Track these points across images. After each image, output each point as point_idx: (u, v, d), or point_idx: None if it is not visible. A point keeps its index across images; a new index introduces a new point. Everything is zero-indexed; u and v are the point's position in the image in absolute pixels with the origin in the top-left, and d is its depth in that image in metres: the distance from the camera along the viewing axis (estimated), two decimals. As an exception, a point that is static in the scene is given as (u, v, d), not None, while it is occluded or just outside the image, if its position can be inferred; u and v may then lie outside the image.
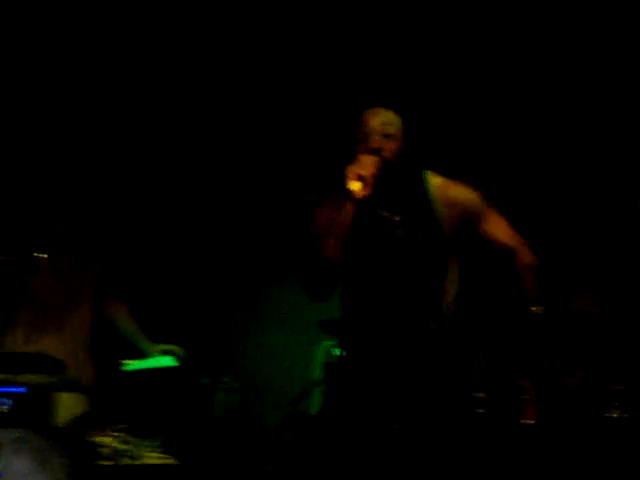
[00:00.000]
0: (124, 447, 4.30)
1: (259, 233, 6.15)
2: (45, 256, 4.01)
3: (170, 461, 4.41)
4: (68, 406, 3.87)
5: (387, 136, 3.09)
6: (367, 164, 2.97)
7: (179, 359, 4.52)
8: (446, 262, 3.13)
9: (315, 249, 3.05)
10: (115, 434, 4.37)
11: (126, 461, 4.19)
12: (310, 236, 3.13)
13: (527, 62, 5.32)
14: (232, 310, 6.16)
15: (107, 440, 4.31)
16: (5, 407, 3.59)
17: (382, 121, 3.12)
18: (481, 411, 4.47)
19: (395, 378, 3.05)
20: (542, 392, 4.35)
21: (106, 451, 4.25)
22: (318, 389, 5.20)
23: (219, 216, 6.16)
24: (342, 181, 2.95)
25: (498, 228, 3.19)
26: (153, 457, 4.33)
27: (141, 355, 4.41)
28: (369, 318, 3.12)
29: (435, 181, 3.19)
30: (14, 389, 3.62)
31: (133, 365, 4.51)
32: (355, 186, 2.93)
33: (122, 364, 4.52)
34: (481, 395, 4.53)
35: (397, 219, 3.12)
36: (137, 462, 4.25)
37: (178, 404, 4.94)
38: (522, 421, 4.29)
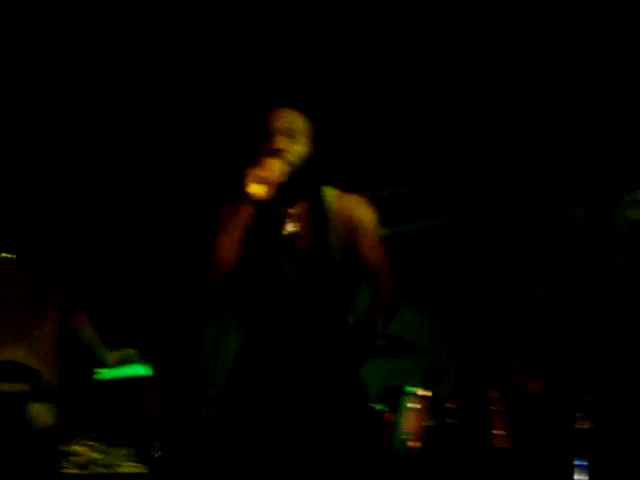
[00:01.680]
0: (97, 456, 4.33)
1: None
2: (13, 256, 4.02)
3: (143, 470, 4.45)
4: (38, 415, 3.88)
5: (291, 137, 3.03)
6: (269, 167, 2.91)
7: (142, 363, 4.52)
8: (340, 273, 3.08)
9: (211, 247, 3.01)
10: (89, 443, 4.39)
11: (100, 470, 4.22)
12: (210, 234, 3.07)
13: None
14: (198, 320, 6.14)
15: (80, 449, 4.34)
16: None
17: (287, 122, 3.04)
18: (452, 421, 4.52)
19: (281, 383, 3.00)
20: (510, 402, 4.41)
21: (79, 460, 4.28)
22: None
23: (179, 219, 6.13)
24: (242, 183, 2.90)
25: (374, 249, 3.11)
26: (126, 466, 4.36)
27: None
28: (262, 320, 3.07)
29: (332, 192, 3.15)
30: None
31: (104, 374, 4.52)
32: (254, 189, 2.89)
33: (94, 373, 4.53)
34: (452, 406, 4.58)
35: (293, 229, 3.08)
36: (110, 471, 4.27)
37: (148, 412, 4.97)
38: (493, 431, 4.34)
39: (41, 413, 3.90)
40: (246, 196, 2.91)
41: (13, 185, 4.35)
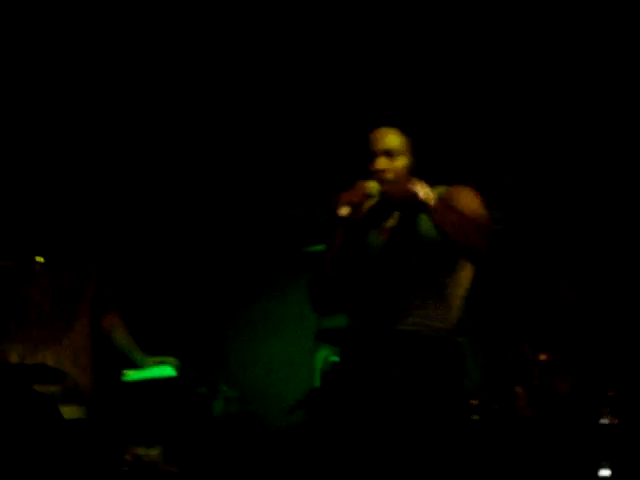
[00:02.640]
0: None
1: (256, 243, 6.19)
2: (42, 260, 4.03)
3: (173, 469, 4.48)
4: (69, 417, 3.89)
5: (391, 156, 3.14)
6: (360, 190, 3.02)
7: (177, 369, 4.55)
8: (442, 275, 3.12)
9: (316, 267, 3.19)
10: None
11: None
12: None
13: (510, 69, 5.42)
14: (230, 319, 6.19)
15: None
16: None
17: (386, 142, 3.15)
18: (476, 418, 4.53)
19: (386, 390, 3.06)
20: (535, 398, 4.42)
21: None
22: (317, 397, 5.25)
23: (215, 226, 6.20)
24: (335, 206, 3.02)
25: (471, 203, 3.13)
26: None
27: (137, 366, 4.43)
28: (366, 329, 3.15)
29: (439, 189, 3.15)
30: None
31: (132, 375, 4.54)
32: (343, 211, 2.99)
33: (122, 375, 4.55)
34: (475, 402, 4.59)
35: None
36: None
37: (177, 413, 4.99)
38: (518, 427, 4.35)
39: (72, 415, 3.92)
40: (335, 218, 3.02)
41: (39, 189, 4.36)
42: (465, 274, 3.16)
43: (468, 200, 3.13)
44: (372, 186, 3.06)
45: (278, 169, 6.06)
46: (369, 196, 3.04)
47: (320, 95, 5.66)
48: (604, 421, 4.29)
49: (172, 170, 6.05)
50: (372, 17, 5.18)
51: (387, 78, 5.46)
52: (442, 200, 3.00)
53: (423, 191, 2.93)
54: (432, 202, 2.92)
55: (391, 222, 3.20)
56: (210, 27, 5.22)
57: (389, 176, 3.11)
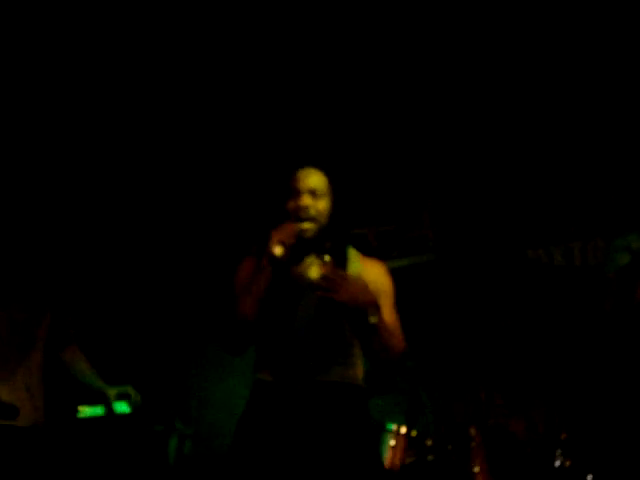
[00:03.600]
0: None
1: (218, 280, 6.19)
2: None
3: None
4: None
5: (315, 195, 3.17)
6: (291, 231, 3.06)
7: (134, 403, 4.53)
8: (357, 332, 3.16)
9: (233, 306, 3.13)
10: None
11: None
12: (231, 292, 3.22)
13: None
14: (188, 355, 6.17)
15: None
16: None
17: (312, 180, 3.19)
18: (430, 458, 4.55)
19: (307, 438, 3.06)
20: (489, 439, 4.45)
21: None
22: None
23: (176, 263, 6.19)
24: (265, 244, 3.04)
25: (390, 315, 3.20)
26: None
27: (97, 399, 4.39)
28: (280, 374, 3.15)
29: (355, 254, 3.29)
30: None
31: (87, 412, 4.51)
32: (278, 251, 3.02)
33: (77, 411, 4.52)
34: (429, 442, 4.61)
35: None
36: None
37: (132, 450, 4.95)
38: (473, 469, 4.38)
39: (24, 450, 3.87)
40: (267, 257, 3.03)
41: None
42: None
43: (382, 280, 3.24)
44: (298, 228, 3.09)
45: (237, 205, 6.08)
46: (300, 237, 3.08)
47: (240, 134, 5.69)
48: (557, 463, 4.33)
49: (125, 204, 6.05)
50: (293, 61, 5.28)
51: (310, 122, 5.52)
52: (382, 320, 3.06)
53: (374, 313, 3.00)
54: (375, 321, 3.00)
55: (312, 278, 3.15)
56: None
57: (315, 215, 3.15)
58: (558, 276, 5.40)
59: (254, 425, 3.13)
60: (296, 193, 3.17)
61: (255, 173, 5.74)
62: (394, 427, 4.73)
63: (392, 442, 4.68)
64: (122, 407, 4.47)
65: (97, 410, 4.50)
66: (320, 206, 3.17)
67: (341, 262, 3.16)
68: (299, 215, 3.13)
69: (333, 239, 3.20)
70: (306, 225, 3.12)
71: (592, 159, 5.35)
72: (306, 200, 3.15)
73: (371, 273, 3.22)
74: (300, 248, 3.14)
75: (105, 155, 5.82)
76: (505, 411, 4.59)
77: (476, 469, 4.40)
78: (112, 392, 4.28)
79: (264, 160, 5.61)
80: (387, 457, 4.63)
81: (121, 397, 4.31)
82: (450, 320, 5.64)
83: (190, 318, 6.17)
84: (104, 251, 6.00)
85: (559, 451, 4.34)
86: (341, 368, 3.12)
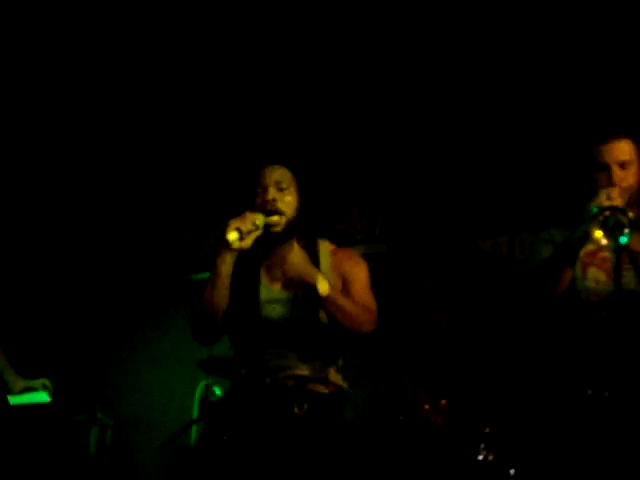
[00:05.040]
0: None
1: (142, 268, 6.12)
2: None
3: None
4: None
5: (281, 190, 3.26)
6: (249, 219, 3.11)
7: (51, 394, 4.46)
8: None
9: (200, 295, 3.20)
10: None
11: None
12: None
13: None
14: (111, 345, 6.09)
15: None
16: None
17: (276, 174, 3.28)
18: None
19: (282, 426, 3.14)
20: (413, 431, 4.45)
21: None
22: (195, 427, 5.19)
23: (100, 248, 6.11)
24: (223, 231, 3.08)
25: (362, 296, 3.30)
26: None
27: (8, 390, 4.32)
28: (251, 367, 3.23)
29: (326, 245, 3.38)
30: None
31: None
32: (232, 237, 3.05)
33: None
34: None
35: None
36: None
37: (52, 440, 4.87)
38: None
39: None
40: (223, 243, 3.09)
41: None
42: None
43: (356, 269, 3.34)
44: (259, 218, 3.14)
45: (166, 195, 6.04)
46: (256, 227, 3.12)
47: (212, 126, 5.70)
48: (479, 457, 4.34)
49: (56, 188, 5.97)
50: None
51: (275, 115, 5.55)
52: (335, 290, 3.17)
53: (322, 284, 3.10)
54: (325, 293, 3.10)
55: (282, 273, 3.24)
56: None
57: (282, 208, 3.24)
58: (484, 269, 5.45)
59: (223, 418, 3.23)
60: (263, 188, 3.26)
61: (224, 170, 5.74)
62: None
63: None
64: (41, 397, 4.40)
65: (15, 399, 4.41)
66: (286, 199, 3.25)
67: (312, 257, 3.23)
68: (266, 208, 3.20)
69: (302, 233, 3.30)
70: (274, 218, 3.20)
71: (517, 155, 5.40)
72: (272, 193, 3.23)
73: (345, 264, 3.34)
74: (269, 242, 3.24)
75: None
76: (426, 404, 4.59)
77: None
78: (22, 385, 4.21)
79: (233, 157, 5.62)
80: None
81: (32, 389, 4.25)
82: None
83: (111, 306, 6.09)
84: (18, 239, 5.90)
85: (482, 445, 4.35)
86: (312, 364, 3.20)
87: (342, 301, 3.18)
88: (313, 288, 3.11)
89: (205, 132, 5.84)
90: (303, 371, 3.19)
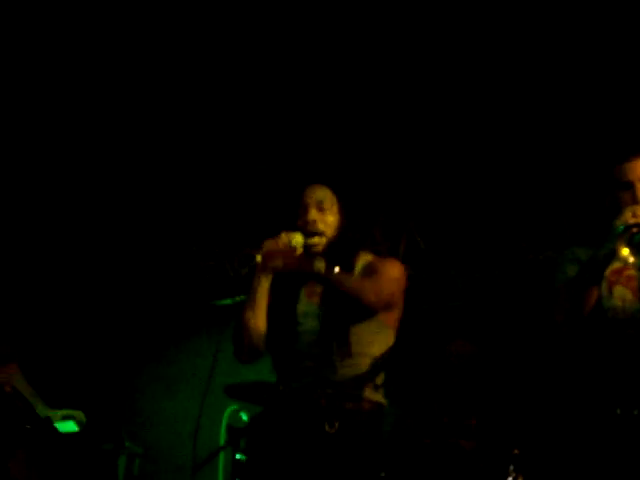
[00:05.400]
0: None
1: (166, 295, 6.13)
2: None
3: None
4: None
5: (322, 210, 3.26)
6: (283, 240, 3.14)
7: (80, 424, 4.45)
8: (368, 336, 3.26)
9: (238, 315, 3.26)
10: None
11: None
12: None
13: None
14: (137, 373, 6.10)
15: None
16: None
17: (318, 194, 3.29)
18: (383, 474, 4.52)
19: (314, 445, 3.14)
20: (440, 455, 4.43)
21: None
22: (223, 454, 5.18)
23: (125, 277, 6.12)
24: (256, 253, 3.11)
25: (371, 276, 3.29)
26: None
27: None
28: (292, 387, 3.25)
29: (366, 257, 3.37)
30: None
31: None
32: (259, 258, 3.10)
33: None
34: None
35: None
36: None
37: (81, 469, 4.87)
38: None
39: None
40: (256, 265, 3.13)
41: None
42: (383, 338, 3.33)
43: (384, 263, 3.33)
44: (297, 238, 3.16)
45: (189, 221, 6.05)
46: (292, 248, 3.14)
47: (241, 147, 5.72)
48: (510, 479, 4.32)
49: (69, 213, 5.98)
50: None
51: (316, 135, 5.57)
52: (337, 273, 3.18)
53: (317, 265, 3.12)
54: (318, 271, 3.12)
55: (319, 287, 3.27)
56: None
57: (322, 228, 3.25)
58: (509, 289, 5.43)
59: (263, 433, 3.28)
60: (304, 208, 3.27)
61: (263, 189, 5.75)
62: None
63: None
64: (70, 426, 4.41)
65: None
66: (328, 220, 3.26)
67: (348, 266, 3.27)
68: (307, 229, 3.22)
69: (342, 253, 3.29)
70: (314, 240, 3.22)
71: (541, 175, 5.39)
72: (313, 214, 3.24)
73: (377, 261, 3.34)
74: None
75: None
76: (454, 428, 4.57)
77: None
78: (55, 416, 4.20)
79: (271, 177, 5.63)
80: None
81: (65, 419, 4.25)
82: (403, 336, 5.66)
83: (135, 334, 6.10)
84: (44, 265, 5.92)
85: (511, 467, 4.32)
86: (347, 380, 3.19)
87: (342, 277, 3.19)
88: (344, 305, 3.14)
89: (230, 154, 5.83)
90: (337, 388, 3.17)
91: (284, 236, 3.14)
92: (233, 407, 5.38)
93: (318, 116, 5.59)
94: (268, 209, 5.35)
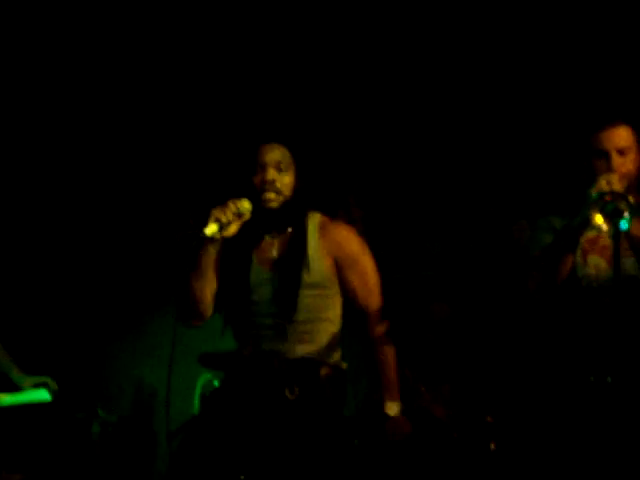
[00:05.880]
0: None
1: (138, 265, 6.09)
2: None
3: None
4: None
5: (280, 169, 3.20)
6: (230, 208, 3.07)
7: (52, 392, 4.44)
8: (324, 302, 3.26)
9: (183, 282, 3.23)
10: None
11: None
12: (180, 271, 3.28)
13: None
14: (110, 341, 6.07)
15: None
16: None
17: (276, 154, 3.22)
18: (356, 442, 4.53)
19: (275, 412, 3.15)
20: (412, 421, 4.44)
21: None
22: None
23: (93, 244, 6.08)
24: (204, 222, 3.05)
25: (364, 283, 3.30)
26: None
27: (13, 387, 4.31)
28: (247, 354, 3.24)
29: (316, 219, 3.32)
30: None
31: (6, 400, 4.41)
32: (210, 230, 3.02)
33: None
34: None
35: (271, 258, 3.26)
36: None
37: (54, 438, 4.86)
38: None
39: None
40: (198, 232, 3.07)
41: None
42: (337, 302, 3.32)
43: (346, 243, 3.30)
44: (244, 205, 3.10)
45: (164, 191, 6.01)
46: (240, 215, 3.09)
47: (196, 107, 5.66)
48: (482, 446, 4.35)
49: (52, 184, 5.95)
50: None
51: (270, 95, 5.52)
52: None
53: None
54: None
55: (272, 253, 3.25)
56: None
57: (279, 187, 3.18)
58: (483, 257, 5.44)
59: (222, 396, 3.30)
60: (261, 167, 3.19)
61: (216, 147, 5.69)
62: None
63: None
64: (42, 395, 4.39)
65: (16, 398, 4.40)
66: (285, 180, 3.19)
67: (300, 238, 3.23)
68: (265, 188, 3.16)
69: (294, 212, 3.25)
70: (271, 195, 3.16)
71: (514, 144, 5.40)
72: (272, 174, 3.17)
73: (336, 238, 3.28)
74: (262, 220, 3.20)
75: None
76: (428, 395, 4.59)
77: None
78: (28, 383, 4.19)
79: (226, 134, 5.57)
80: None
81: (38, 386, 4.24)
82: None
83: (109, 302, 6.07)
84: (15, 234, 5.88)
85: (484, 434, 4.36)
86: (305, 345, 3.20)
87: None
88: (295, 270, 3.17)
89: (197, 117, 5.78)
90: (295, 353, 3.18)
91: (231, 204, 3.08)
92: (207, 375, 5.39)
93: (274, 74, 5.51)
94: (216, 170, 5.31)
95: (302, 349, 3.19)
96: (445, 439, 4.42)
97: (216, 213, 3.04)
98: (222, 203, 3.08)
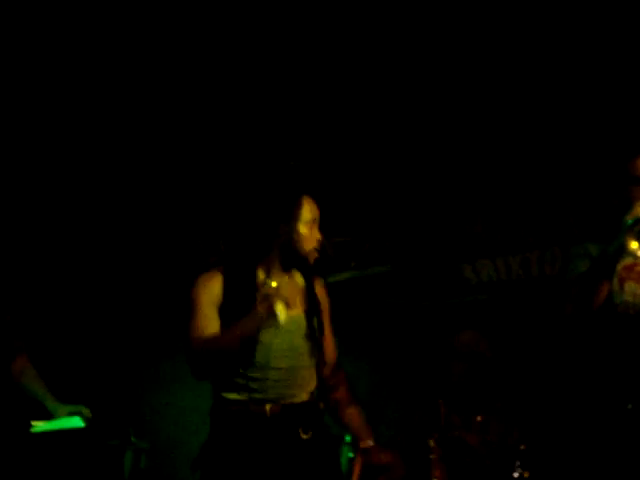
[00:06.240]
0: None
1: (169, 293, 6.12)
2: None
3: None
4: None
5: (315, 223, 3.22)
6: (284, 289, 3.02)
7: (86, 420, 4.45)
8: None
9: (191, 326, 3.32)
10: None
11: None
12: (187, 307, 3.36)
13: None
14: (143, 368, 6.10)
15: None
16: None
17: (316, 213, 3.22)
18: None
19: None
20: (447, 452, 4.43)
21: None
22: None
23: (130, 276, 6.12)
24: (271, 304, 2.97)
25: (328, 332, 3.32)
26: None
27: (48, 415, 4.32)
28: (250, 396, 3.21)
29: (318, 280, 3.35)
30: None
31: (40, 427, 4.42)
32: (282, 315, 2.96)
33: (29, 426, 4.42)
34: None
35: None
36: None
37: (87, 466, 4.87)
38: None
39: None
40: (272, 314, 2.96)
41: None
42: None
43: (323, 296, 3.33)
44: (273, 284, 3.01)
45: (199, 219, 6.04)
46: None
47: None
48: (515, 475, 4.32)
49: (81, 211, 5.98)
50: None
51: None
52: None
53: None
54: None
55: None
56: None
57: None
58: (516, 287, 5.43)
59: (225, 445, 3.27)
60: (306, 222, 3.17)
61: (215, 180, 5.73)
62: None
63: (352, 455, 4.64)
64: (75, 422, 4.40)
65: (50, 425, 4.41)
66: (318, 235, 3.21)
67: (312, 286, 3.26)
68: (312, 246, 3.17)
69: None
70: (316, 253, 3.19)
71: (549, 169, 5.40)
72: (317, 232, 3.19)
73: (320, 289, 3.32)
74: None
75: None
76: (461, 426, 4.57)
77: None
78: (63, 412, 4.19)
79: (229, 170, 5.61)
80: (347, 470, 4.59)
81: (72, 414, 4.24)
82: (406, 330, 5.67)
83: (143, 330, 6.10)
84: (55, 260, 5.92)
85: (518, 462, 4.33)
86: (304, 389, 3.22)
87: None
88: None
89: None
90: (301, 397, 3.21)
91: (284, 285, 3.05)
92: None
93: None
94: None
95: (303, 395, 3.22)
96: (479, 468, 4.40)
97: (280, 300, 2.97)
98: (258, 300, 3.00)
